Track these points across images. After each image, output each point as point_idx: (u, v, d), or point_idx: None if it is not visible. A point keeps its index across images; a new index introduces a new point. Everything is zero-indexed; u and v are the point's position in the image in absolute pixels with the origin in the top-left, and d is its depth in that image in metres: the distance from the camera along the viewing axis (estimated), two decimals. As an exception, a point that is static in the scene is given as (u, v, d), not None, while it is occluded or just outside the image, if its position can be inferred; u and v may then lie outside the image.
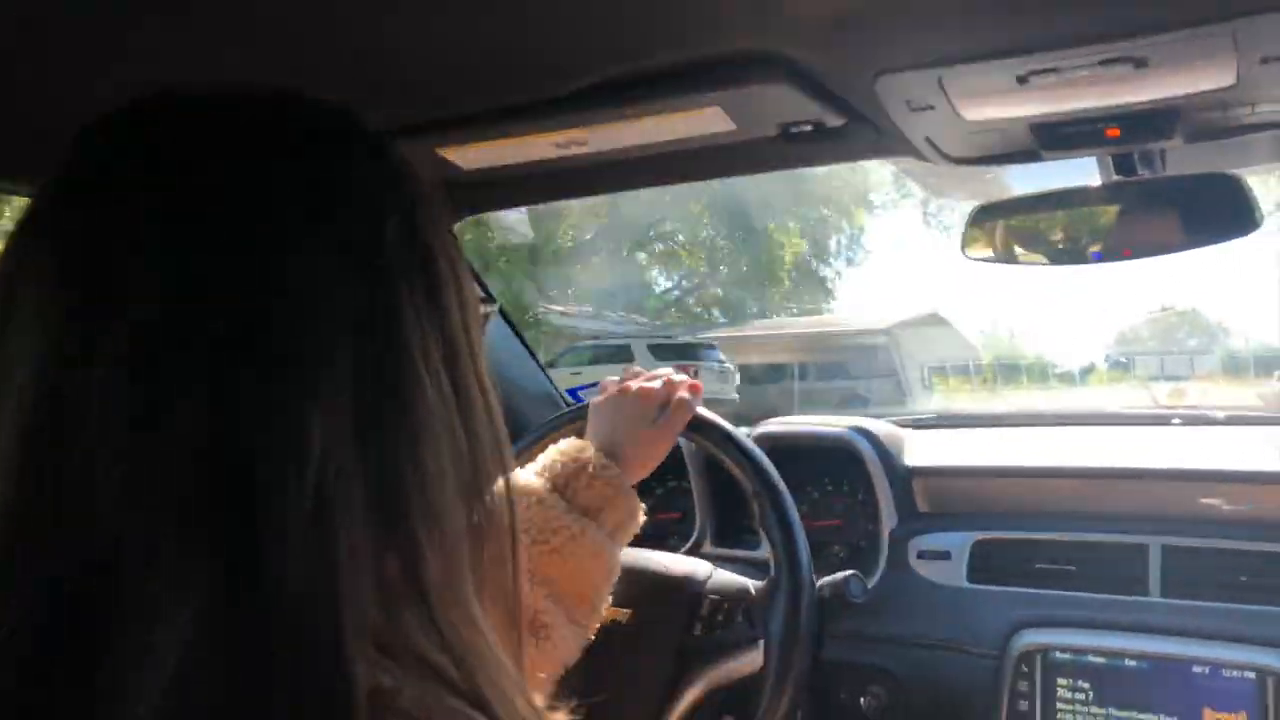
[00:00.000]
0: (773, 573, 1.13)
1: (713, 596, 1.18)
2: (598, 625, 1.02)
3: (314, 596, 0.43)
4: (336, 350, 0.46)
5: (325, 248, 0.48)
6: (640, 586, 1.22)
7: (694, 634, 1.16)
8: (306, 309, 0.46)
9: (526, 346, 1.72)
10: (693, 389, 1.13)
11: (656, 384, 1.13)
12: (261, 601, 0.42)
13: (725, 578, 1.20)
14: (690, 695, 1.14)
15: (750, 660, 1.11)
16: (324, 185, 0.50)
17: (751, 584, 1.16)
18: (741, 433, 1.19)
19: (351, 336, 0.47)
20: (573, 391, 1.81)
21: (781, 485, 1.13)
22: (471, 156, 1.18)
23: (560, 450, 1.04)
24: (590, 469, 1.01)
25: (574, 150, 1.15)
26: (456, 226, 1.44)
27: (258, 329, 0.45)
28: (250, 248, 0.46)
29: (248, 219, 0.47)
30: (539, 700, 0.52)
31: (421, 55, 0.93)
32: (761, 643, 1.10)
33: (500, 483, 0.54)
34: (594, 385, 1.87)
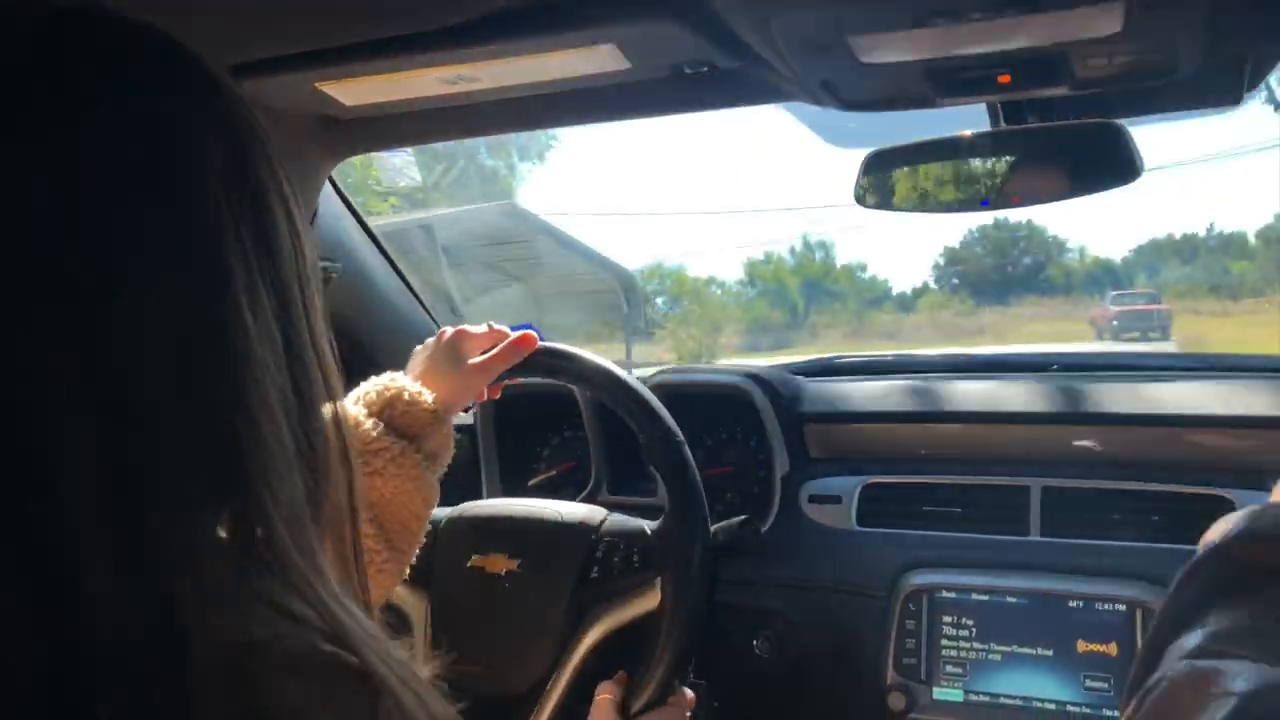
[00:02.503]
0: (667, 510, 1.12)
1: (608, 539, 1.17)
2: (415, 554, 1.01)
3: (125, 575, 0.39)
4: (149, 296, 0.43)
5: (132, 181, 0.44)
6: (534, 535, 1.21)
7: (590, 577, 1.15)
8: (108, 252, 0.42)
9: (409, 285, 1.66)
10: (526, 339, 1.10)
11: (480, 329, 1.11)
12: (63, 593, 0.39)
13: (620, 520, 1.19)
14: (590, 638, 1.13)
15: (648, 599, 1.11)
16: (133, 115, 0.45)
17: (647, 525, 1.16)
18: (624, 372, 1.17)
19: (167, 281, 0.43)
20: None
21: (669, 419, 1.12)
22: (355, 92, 1.12)
23: (372, 381, 1.03)
24: (405, 395, 1.00)
25: (464, 87, 1.11)
26: (341, 166, 1.39)
27: (59, 270, 0.41)
28: (43, 181, 0.42)
29: (40, 148, 0.42)
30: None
31: None
32: (658, 581, 1.10)
33: (335, 440, 0.52)
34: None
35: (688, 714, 1.09)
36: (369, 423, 0.98)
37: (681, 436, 1.12)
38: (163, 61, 0.48)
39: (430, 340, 1.11)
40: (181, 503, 0.42)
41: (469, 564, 1.22)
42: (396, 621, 1.23)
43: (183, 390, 0.43)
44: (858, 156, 1.26)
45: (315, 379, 0.50)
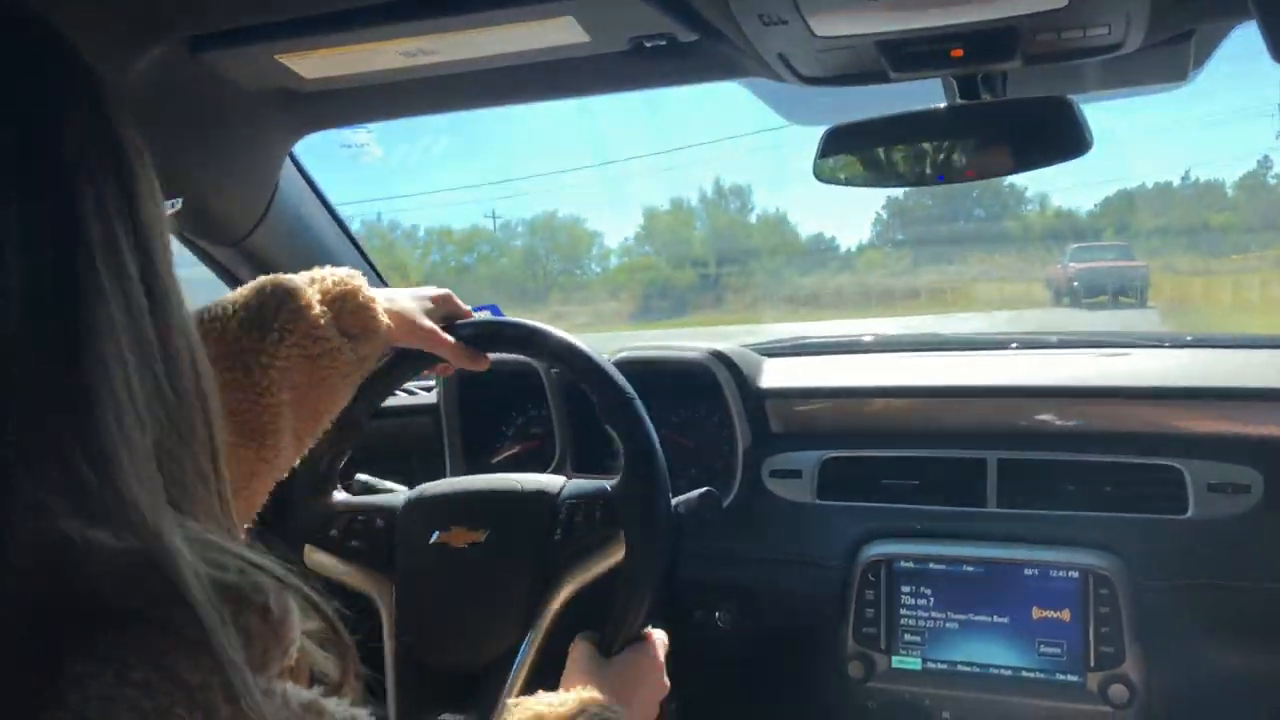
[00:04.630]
0: (625, 466, 1.13)
1: (569, 501, 1.18)
2: (308, 447, 1.03)
3: None
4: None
5: None
6: (495, 505, 1.21)
7: (555, 539, 1.16)
8: None
9: (371, 265, 1.66)
10: (481, 362, 1.16)
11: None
12: None
13: (579, 483, 1.20)
14: (558, 600, 1.14)
15: (613, 554, 1.12)
16: None
17: (607, 483, 1.17)
18: (576, 338, 1.18)
19: (20, 235, 0.44)
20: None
21: (620, 379, 1.13)
22: (314, 65, 1.12)
23: (332, 270, 1.06)
24: (360, 296, 1.03)
25: (422, 60, 1.11)
26: (301, 144, 1.38)
27: None
28: None
29: None
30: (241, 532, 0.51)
31: None
32: (622, 534, 1.11)
33: (195, 390, 0.53)
34: None
35: (662, 651, 1.10)
36: (319, 309, 1.00)
37: (633, 393, 1.13)
38: (14, 32, 0.48)
39: (423, 289, 1.15)
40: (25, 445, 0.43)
41: (431, 542, 1.22)
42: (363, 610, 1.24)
43: (32, 343, 0.44)
44: (817, 133, 1.27)
45: (176, 322, 0.51)
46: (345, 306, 1.02)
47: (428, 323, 1.10)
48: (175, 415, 0.50)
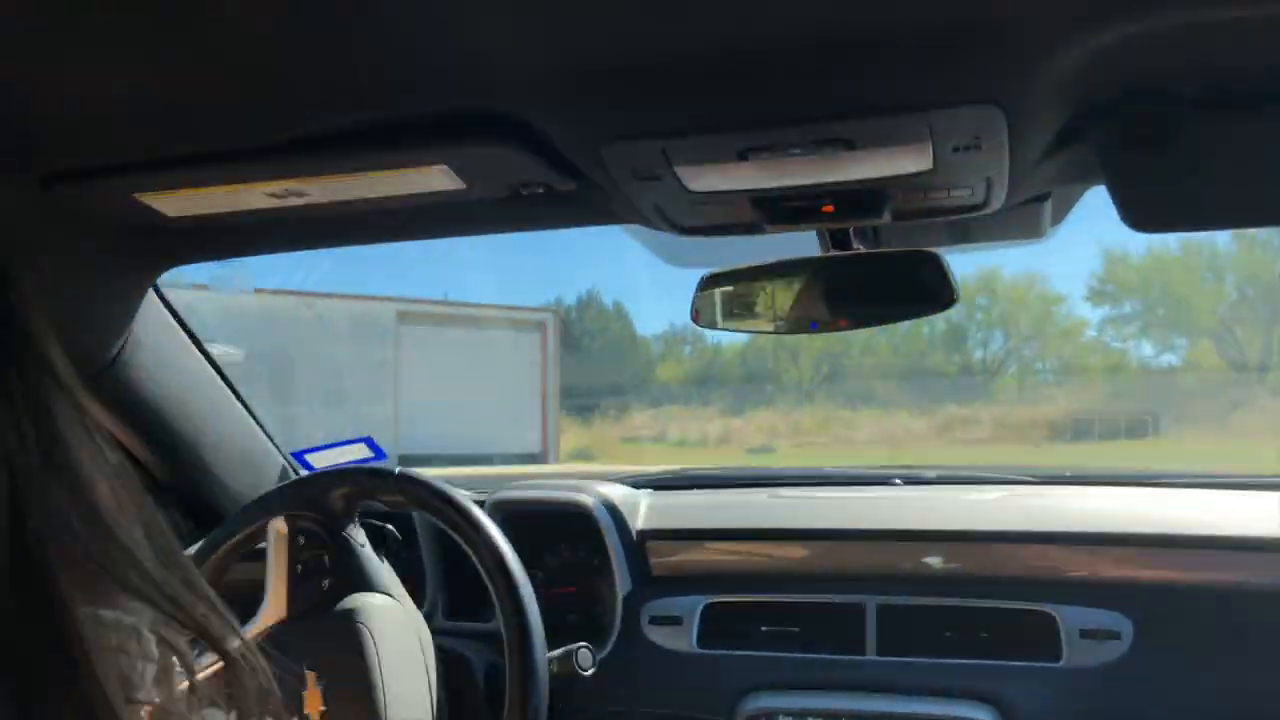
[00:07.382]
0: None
1: None
2: None
3: None
4: None
5: None
6: None
7: None
8: None
9: (240, 399, 1.58)
10: None
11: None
12: None
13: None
14: None
15: None
16: None
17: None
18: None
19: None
20: (299, 455, 1.69)
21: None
22: (177, 203, 1.08)
23: None
24: None
25: (292, 201, 1.08)
26: (165, 277, 1.32)
27: None
28: None
29: None
30: None
31: (107, 93, 0.84)
32: None
33: None
34: (324, 448, 1.76)
35: None
36: None
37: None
38: None
39: None
40: None
41: None
42: None
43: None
44: (695, 277, 1.28)
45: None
46: None
47: None
48: None
